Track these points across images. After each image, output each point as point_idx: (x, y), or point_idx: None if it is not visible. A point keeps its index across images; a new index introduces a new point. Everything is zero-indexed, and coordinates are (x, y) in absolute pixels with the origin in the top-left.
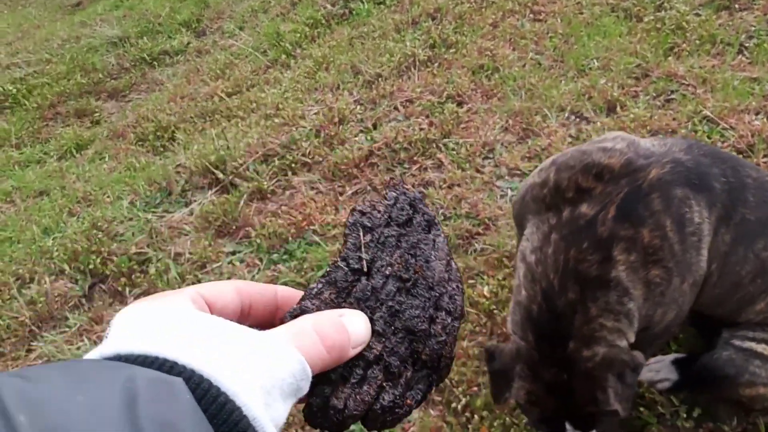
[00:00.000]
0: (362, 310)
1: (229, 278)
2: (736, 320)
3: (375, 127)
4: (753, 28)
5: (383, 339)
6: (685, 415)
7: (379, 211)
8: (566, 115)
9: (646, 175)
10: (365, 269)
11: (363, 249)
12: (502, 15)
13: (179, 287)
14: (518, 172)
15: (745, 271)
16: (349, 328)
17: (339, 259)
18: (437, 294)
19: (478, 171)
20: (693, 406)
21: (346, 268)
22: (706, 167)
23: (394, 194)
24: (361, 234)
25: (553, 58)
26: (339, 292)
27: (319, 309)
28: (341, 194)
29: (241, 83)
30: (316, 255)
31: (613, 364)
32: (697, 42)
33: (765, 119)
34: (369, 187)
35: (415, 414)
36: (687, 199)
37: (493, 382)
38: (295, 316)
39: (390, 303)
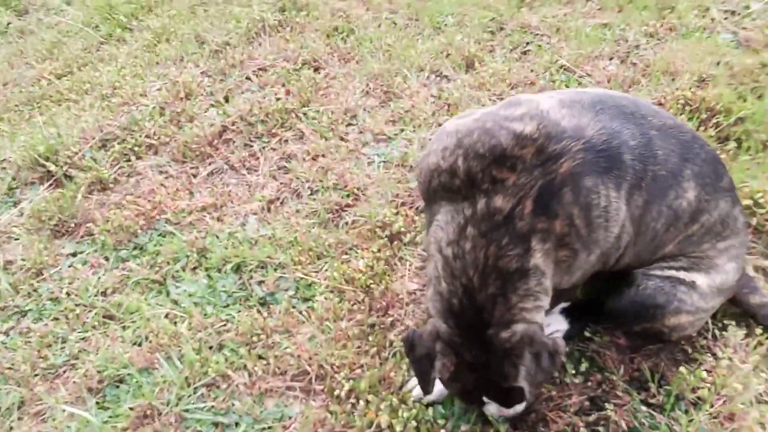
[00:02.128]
0: None
1: (71, 283)
2: (647, 264)
3: (227, 99)
4: None
5: None
6: (573, 370)
7: None
8: (426, 74)
9: (558, 167)
10: None
11: None
12: None
13: (12, 300)
14: (383, 136)
15: (660, 224)
16: None
17: None
18: None
19: (342, 139)
20: (582, 356)
21: None
22: (616, 138)
23: None
24: None
25: (408, 16)
26: None
27: None
28: (195, 176)
29: (72, 63)
30: (171, 246)
31: (533, 343)
32: None
33: (618, 63)
34: (226, 166)
35: (296, 407)
36: (595, 187)
37: (417, 371)
38: None
39: None
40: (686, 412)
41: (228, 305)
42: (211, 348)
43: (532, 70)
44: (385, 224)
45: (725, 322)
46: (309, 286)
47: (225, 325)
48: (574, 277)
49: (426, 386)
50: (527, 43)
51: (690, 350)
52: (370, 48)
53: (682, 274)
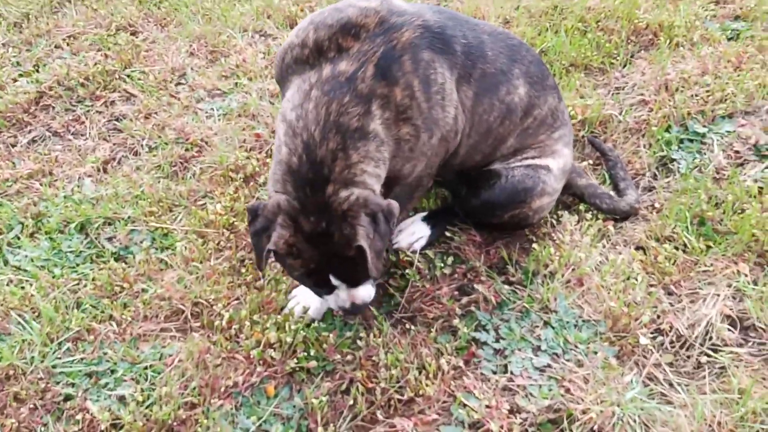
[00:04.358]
0: None
1: None
2: (492, 160)
3: (37, 69)
4: None
5: None
6: (441, 264)
7: None
8: (250, 34)
9: (399, 36)
10: None
11: None
12: None
13: None
14: (218, 91)
15: (493, 117)
16: None
17: None
18: None
19: (174, 97)
20: (446, 254)
21: None
22: (450, 30)
23: None
24: None
25: None
26: None
27: None
28: (14, 145)
29: None
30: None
31: (367, 204)
32: None
33: None
34: (48, 133)
35: (176, 346)
36: (432, 62)
37: (255, 244)
38: None
39: None
40: (543, 283)
41: (78, 264)
42: (68, 307)
43: None
44: (237, 167)
45: (559, 213)
46: (166, 236)
47: (78, 283)
48: (419, 165)
49: (260, 262)
50: None
51: (534, 238)
52: (188, 12)
53: (538, 161)
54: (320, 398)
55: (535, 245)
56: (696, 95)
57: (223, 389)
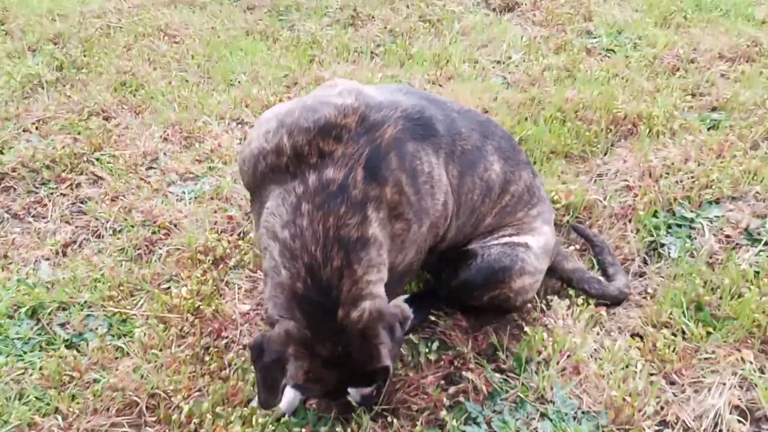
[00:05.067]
0: None
1: None
2: (470, 240)
3: (1, 151)
4: (378, 38)
5: None
6: (426, 350)
7: None
8: (227, 121)
9: (382, 134)
10: None
11: None
12: (135, 38)
13: None
14: (191, 175)
15: (476, 195)
16: None
17: None
18: None
19: (144, 180)
20: (431, 339)
21: None
22: (428, 111)
23: None
24: None
25: (200, 74)
26: None
27: None
28: None
29: None
30: None
31: (383, 317)
32: (335, 52)
33: None
34: (7, 215)
35: None
36: (417, 152)
37: (264, 380)
38: None
39: None
40: (537, 371)
41: (25, 352)
42: (9, 398)
43: None
44: (207, 248)
45: (548, 297)
46: (124, 322)
47: (24, 372)
48: (410, 254)
49: (272, 397)
50: None
51: (524, 324)
52: (164, 100)
53: (515, 239)
54: None
55: (527, 329)
56: (680, 181)
57: None
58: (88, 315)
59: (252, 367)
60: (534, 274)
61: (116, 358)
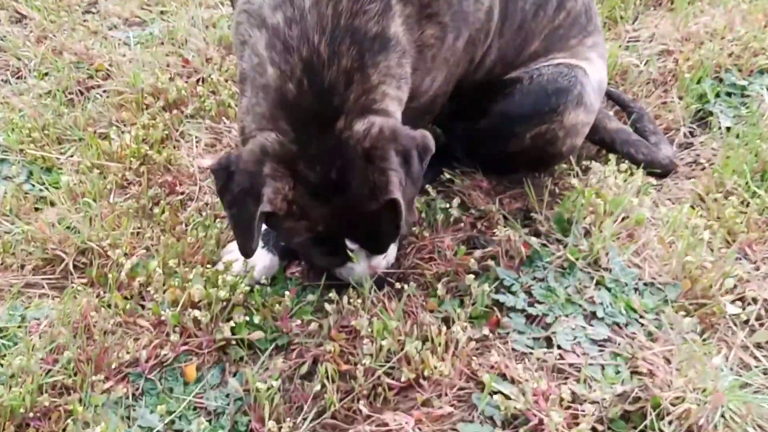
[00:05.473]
0: None
1: None
2: (509, 73)
3: None
4: None
5: None
6: (447, 205)
7: None
8: None
9: None
10: None
11: None
12: None
13: None
14: (138, 20)
15: (528, 4)
16: None
17: None
18: None
19: (80, 25)
20: (451, 198)
21: None
22: None
23: None
24: None
25: None
26: None
27: None
28: None
29: None
30: None
31: (397, 138)
32: None
33: None
34: None
35: (47, 304)
36: None
37: (235, 213)
38: None
39: None
40: (586, 234)
41: None
42: None
43: None
44: (157, 90)
45: (583, 163)
46: (49, 171)
47: None
48: (438, 79)
49: (249, 239)
50: None
51: (557, 190)
52: None
53: (572, 61)
54: (269, 383)
55: (574, 181)
56: (725, 48)
57: (114, 367)
58: (2, 159)
59: (216, 222)
60: (590, 111)
61: (37, 210)
